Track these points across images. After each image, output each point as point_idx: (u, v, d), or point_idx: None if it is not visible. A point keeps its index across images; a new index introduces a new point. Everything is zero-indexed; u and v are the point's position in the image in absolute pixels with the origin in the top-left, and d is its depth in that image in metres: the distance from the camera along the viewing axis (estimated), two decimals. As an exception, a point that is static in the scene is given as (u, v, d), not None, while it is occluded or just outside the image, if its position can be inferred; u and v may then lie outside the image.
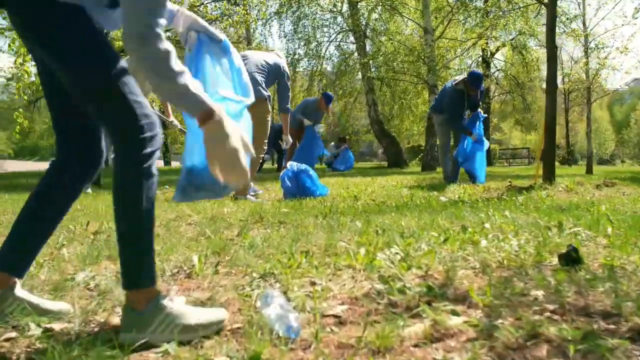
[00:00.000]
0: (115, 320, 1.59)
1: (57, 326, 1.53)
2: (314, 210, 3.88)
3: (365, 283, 1.84)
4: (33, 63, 7.99)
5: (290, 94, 5.72)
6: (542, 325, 1.38)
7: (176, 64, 1.41)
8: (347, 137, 18.25)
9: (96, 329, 1.53)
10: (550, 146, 6.68)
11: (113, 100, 1.47)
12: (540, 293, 1.68)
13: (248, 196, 5.23)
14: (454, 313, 1.51)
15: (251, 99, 1.78)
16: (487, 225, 2.78)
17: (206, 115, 1.44)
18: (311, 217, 3.42)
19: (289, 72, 5.73)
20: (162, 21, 1.41)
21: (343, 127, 23.43)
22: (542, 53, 19.99)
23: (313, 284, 1.87)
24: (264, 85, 5.42)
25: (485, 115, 7.72)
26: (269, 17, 18.94)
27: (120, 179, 1.48)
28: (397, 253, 2.12)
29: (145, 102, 1.51)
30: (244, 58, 5.58)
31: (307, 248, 2.37)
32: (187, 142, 1.74)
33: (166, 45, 1.39)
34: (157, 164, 1.55)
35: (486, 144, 7.42)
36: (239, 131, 1.49)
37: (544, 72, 22.76)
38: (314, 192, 5.28)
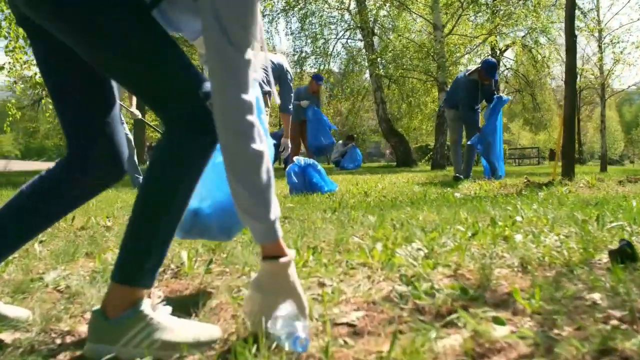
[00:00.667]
0: (83, 328, 1.31)
1: (8, 337, 1.25)
2: (322, 205, 3.59)
3: (384, 284, 1.54)
4: (26, 50, 7.66)
5: (292, 95, 5.45)
6: (614, 338, 1.09)
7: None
8: (355, 135, 17.95)
9: (57, 340, 1.25)
10: (569, 140, 6.33)
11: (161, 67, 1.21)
12: (597, 296, 1.38)
13: None
14: (498, 321, 1.21)
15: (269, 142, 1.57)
16: (518, 218, 2.47)
17: (274, 251, 1.19)
18: (319, 212, 3.12)
19: (292, 75, 5.48)
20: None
21: (351, 127, 23.10)
22: (554, 49, 19.59)
23: (322, 285, 1.57)
24: (265, 80, 5.15)
25: (510, 97, 7.45)
26: (275, 14, 18.65)
27: (171, 149, 1.21)
28: (419, 249, 1.82)
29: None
30: None
31: (315, 244, 2.07)
32: None
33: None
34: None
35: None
36: (297, 291, 1.20)
37: (553, 70, 22.43)
38: (322, 188, 4.99)
